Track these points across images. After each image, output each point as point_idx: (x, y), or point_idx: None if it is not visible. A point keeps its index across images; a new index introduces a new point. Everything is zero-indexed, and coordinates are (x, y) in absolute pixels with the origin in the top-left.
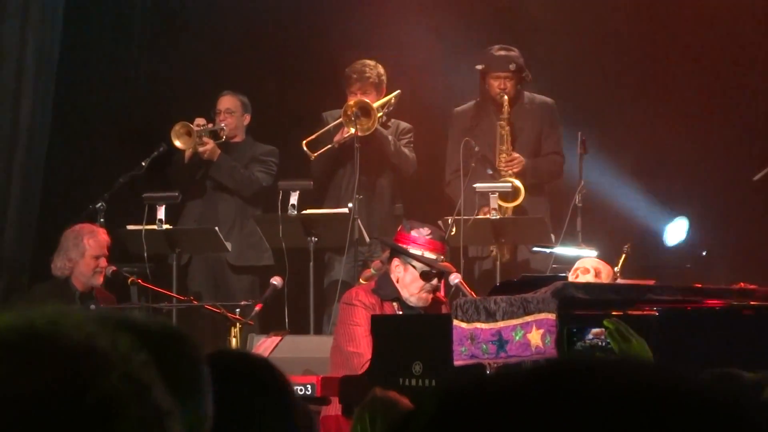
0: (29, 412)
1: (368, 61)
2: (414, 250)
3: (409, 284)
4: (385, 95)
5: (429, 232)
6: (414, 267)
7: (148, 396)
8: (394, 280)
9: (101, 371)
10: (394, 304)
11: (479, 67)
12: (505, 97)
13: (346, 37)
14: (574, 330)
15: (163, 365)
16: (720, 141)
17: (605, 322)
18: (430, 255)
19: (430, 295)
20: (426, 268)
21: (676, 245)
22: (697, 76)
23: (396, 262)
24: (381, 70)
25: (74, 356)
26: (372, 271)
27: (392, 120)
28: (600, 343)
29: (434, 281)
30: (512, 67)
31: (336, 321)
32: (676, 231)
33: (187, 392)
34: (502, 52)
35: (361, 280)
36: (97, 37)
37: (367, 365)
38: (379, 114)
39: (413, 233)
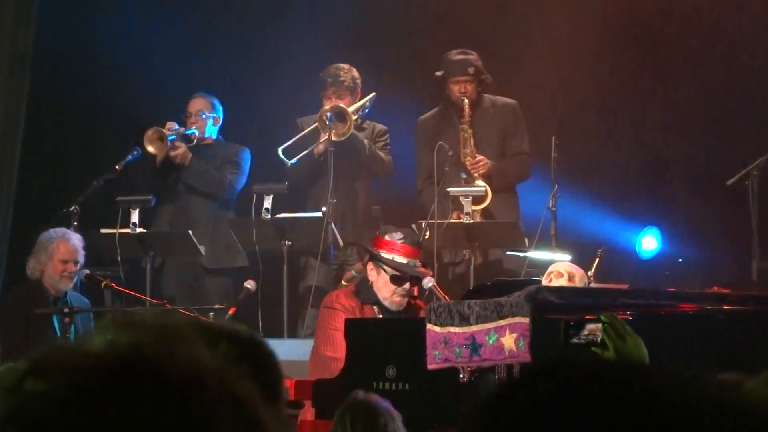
0: None
1: (343, 65)
2: (385, 255)
3: (382, 288)
4: (360, 98)
5: (401, 236)
6: (385, 271)
7: (259, 427)
8: (370, 284)
9: (216, 413)
10: (375, 307)
11: (439, 73)
12: (466, 100)
13: (322, 39)
14: (572, 324)
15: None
16: (693, 147)
17: (602, 317)
18: (401, 259)
19: (404, 300)
20: (396, 273)
21: (651, 257)
22: (669, 81)
23: (371, 266)
24: (356, 73)
25: (182, 390)
26: (353, 273)
27: (368, 122)
28: (596, 340)
29: (406, 285)
30: (471, 70)
31: (316, 324)
32: (648, 243)
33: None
34: (461, 56)
35: (342, 282)
36: (72, 40)
37: None
38: (354, 117)
39: (386, 237)
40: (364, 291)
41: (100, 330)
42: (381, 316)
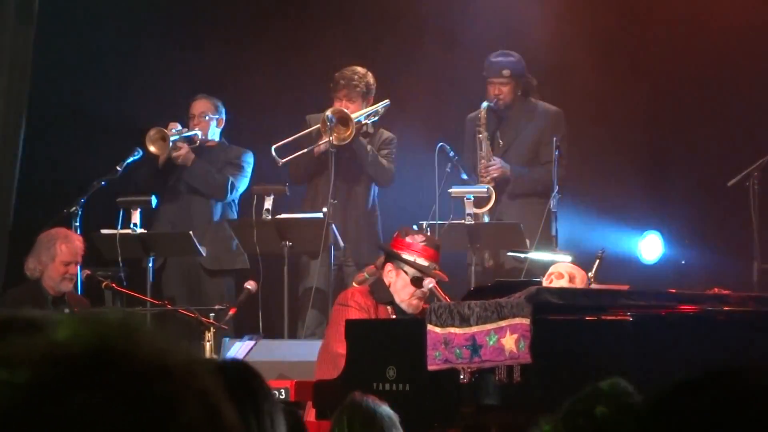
0: None
1: (359, 69)
2: (407, 256)
3: (400, 290)
4: (373, 104)
5: (423, 239)
6: (406, 273)
7: (221, 418)
8: (388, 285)
9: (180, 400)
10: (389, 307)
11: (484, 73)
12: (484, 104)
13: (334, 40)
14: None
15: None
16: (693, 148)
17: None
18: (422, 262)
19: (421, 302)
20: (417, 274)
21: (654, 262)
22: (670, 82)
23: (389, 267)
24: (371, 79)
25: (151, 380)
26: (365, 275)
27: (380, 129)
28: None
29: (426, 290)
30: (506, 72)
31: (328, 320)
32: (650, 247)
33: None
34: (499, 58)
35: (354, 284)
36: (72, 40)
37: None
38: (365, 122)
39: (407, 239)
40: (378, 291)
41: (63, 323)
42: (395, 316)
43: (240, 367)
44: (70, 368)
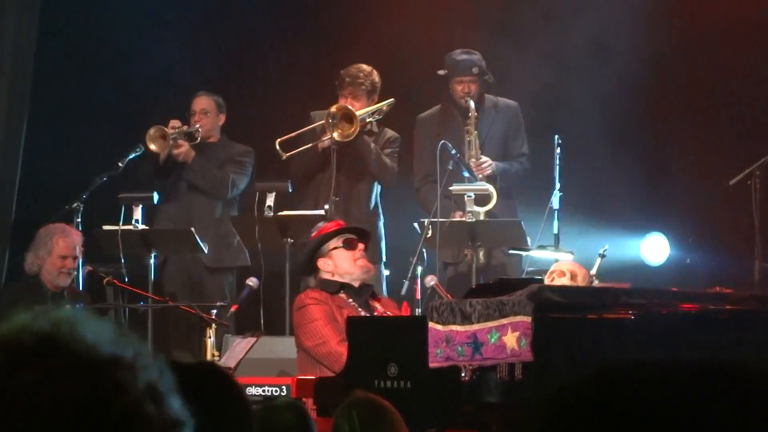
0: (52, 420)
1: (364, 67)
2: (320, 236)
3: (345, 264)
4: (378, 102)
5: (320, 223)
6: (335, 248)
7: (166, 406)
8: (331, 276)
9: (126, 383)
10: (342, 294)
11: (441, 72)
12: (471, 102)
13: (335, 36)
14: None
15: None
16: (694, 147)
17: None
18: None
19: (369, 264)
20: (344, 237)
21: (660, 264)
22: (672, 81)
23: (320, 262)
24: (376, 78)
25: (98, 366)
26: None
27: (384, 128)
28: None
29: (360, 246)
30: (475, 70)
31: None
32: (656, 249)
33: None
34: (465, 56)
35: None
36: (74, 37)
37: (343, 348)
38: (369, 120)
39: (313, 233)
40: (326, 286)
41: (17, 317)
42: (351, 300)
43: (209, 369)
44: (19, 352)
